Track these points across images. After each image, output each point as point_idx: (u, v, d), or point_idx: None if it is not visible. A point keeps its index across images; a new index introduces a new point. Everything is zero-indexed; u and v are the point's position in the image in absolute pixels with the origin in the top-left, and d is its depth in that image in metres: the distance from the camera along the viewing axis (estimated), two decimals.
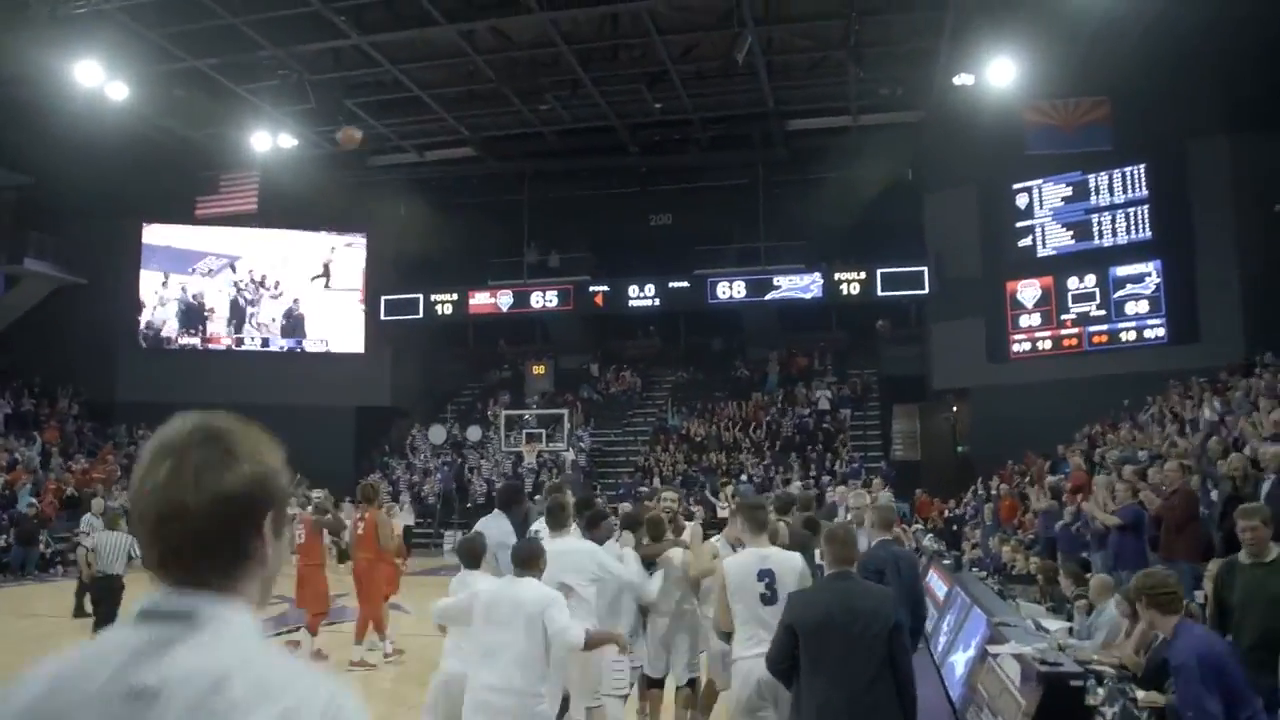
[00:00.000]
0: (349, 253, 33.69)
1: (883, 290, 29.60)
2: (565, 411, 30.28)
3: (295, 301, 33.42)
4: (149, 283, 32.41)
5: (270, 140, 27.61)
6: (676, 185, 32.45)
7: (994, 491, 19.18)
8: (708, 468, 28.82)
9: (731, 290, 30.55)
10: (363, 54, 24.19)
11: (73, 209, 29.70)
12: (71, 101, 23.96)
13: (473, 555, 6.79)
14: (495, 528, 7.62)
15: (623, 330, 36.30)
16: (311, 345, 33.37)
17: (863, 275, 29.75)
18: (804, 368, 33.43)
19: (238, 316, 33.12)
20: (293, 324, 33.41)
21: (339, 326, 33.51)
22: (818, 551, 6.55)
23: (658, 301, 31.43)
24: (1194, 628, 5.57)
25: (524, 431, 29.70)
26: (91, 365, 31.38)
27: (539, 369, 33.24)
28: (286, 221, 32.19)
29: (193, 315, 32.79)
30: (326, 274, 33.44)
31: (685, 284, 31.25)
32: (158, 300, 32.46)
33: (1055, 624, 8.42)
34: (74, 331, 30.61)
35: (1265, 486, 9.41)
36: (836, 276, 29.93)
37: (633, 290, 31.46)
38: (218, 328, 32.97)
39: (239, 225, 31.47)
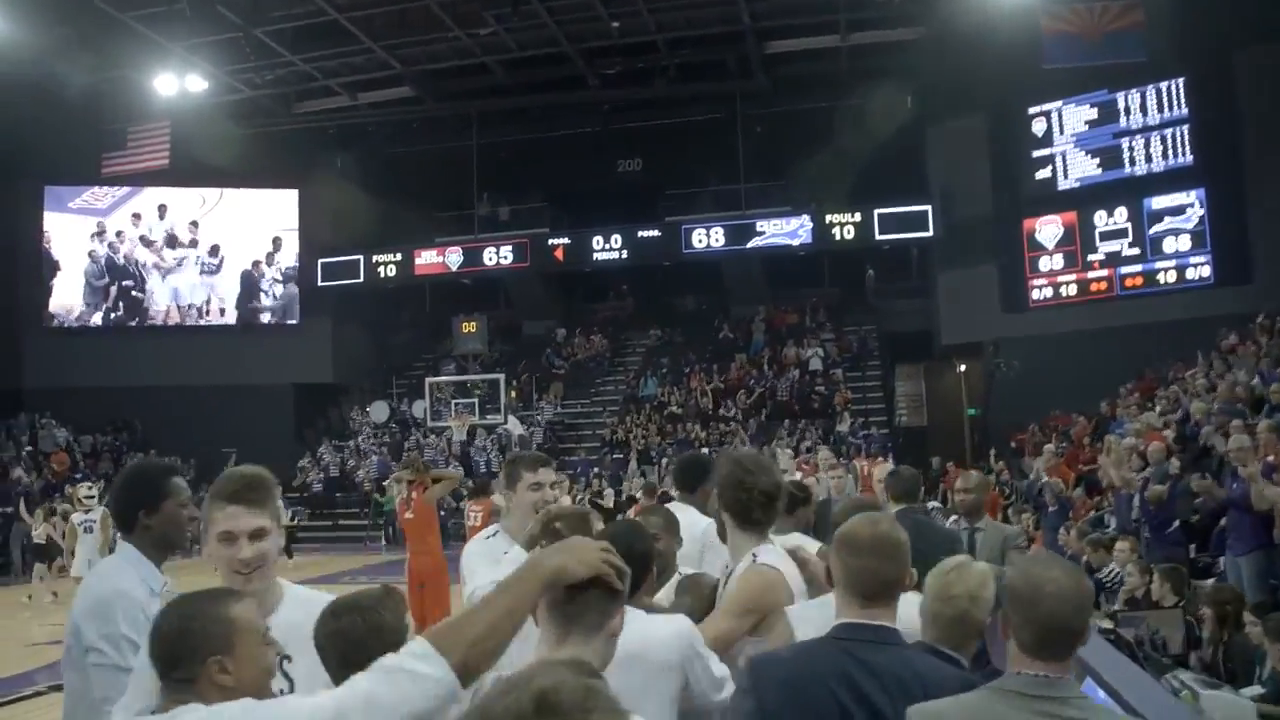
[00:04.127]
0: (279, 212, 29.86)
1: (881, 233, 26.02)
2: (501, 376, 26.32)
3: (223, 269, 29.64)
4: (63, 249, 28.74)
5: (177, 83, 24.15)
6: (643, 122, 28.63)
7: (1037, 466, 14.91)
8: (684, 439, 25.27)
9: (709, 239, 26.92)
10: None
11: None
12: None
13: None
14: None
15: (592, 292, 32.99)
16: (243, 317, 29.71)
17: (858, 218, 26.11)
18: (793, 325, 29.78)
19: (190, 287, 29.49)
20: (222, 294, 29.67)
21: (273, 295, 29.84)
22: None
23: (625, 254, 27.76)
24: None
25: (453, 403, 25.73)
26: None
27: (469, 326, 28.91)
28: (205, 178, 28.48)
29: (114, 275, 29.02)
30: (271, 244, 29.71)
31: (656, 233, 27.61)
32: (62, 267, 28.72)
33: None
34: None
35: None
36: (827, 219, 26.31)
37: (597, 242, 27.80)
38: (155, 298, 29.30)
39: (153, 185, 28.21)
